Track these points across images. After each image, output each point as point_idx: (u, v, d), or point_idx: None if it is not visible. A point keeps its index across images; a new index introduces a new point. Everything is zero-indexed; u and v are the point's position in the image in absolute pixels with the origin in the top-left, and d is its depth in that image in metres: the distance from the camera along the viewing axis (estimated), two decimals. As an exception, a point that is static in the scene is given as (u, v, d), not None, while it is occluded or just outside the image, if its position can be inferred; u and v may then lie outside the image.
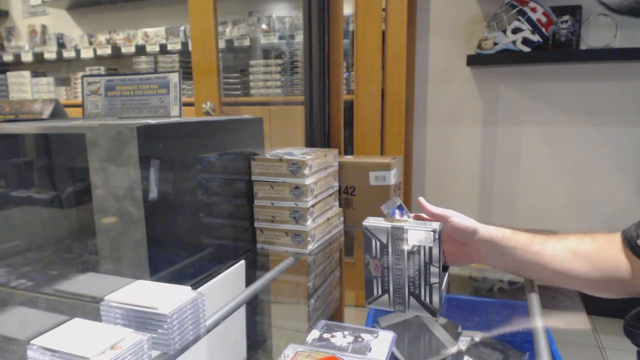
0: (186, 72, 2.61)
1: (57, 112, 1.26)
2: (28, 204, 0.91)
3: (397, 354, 0.73)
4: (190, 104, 2.55)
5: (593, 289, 0.79)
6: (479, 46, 2.27)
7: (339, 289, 1.10)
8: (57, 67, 3.75)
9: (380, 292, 0.78)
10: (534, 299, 0.86)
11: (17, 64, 3.72)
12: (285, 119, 2.69)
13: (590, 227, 2.33)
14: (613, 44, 2.16)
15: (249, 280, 1.00)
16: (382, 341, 0.66)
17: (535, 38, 2.16)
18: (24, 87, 3.69)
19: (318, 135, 1.48)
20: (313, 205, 1.10)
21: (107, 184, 0.79)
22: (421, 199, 0.86)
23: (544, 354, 0.69)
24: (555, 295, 0.88)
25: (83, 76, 1.19)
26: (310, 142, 1.49)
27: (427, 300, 0.75)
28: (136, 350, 0.55)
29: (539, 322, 0.80)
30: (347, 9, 2.62)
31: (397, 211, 0.88)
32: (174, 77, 1.12)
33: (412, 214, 0.89)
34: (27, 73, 3.67)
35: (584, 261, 0.78)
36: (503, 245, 0.81)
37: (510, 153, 2.47)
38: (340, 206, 1.32)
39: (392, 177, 1.30)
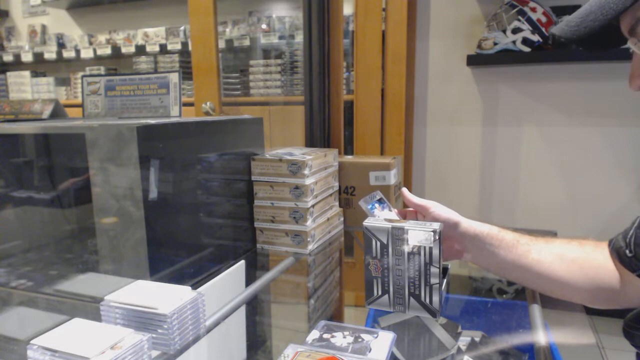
0: (186, 72, 2.61)
1: (57, 112, 1.26)
2: (28, 204, 0.91)
3: (397, 354, 0.73)
4: (190, 104, 2.55)
5: (581, 296, 0.75)
6: (479, 46, 2.27)
7: (338, 289, 1.10)
8: (57, 67, 3.75)
9: (380, 293, 0.78)
10: (534, 299, 0.86)
11: (17, 64, 3.72)
12: (285, 119, 2.69)
13: (590, 227, 2.33)
14: (613, 44, 2.15)
15: (249, 280, 1.00)
16: (382, 341, 0.66)
17: (535, 38, 2.16)
18: (24, 87, 3.69)
19: (318, 135, 1.48)
20: (313, 206, 1.10)
21: (107, 184, 0.79)
22: (404, 190, 0.86)
23: (544, 354, 0.69)
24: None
25: (83, 76, 1.19)
26: (310, 142, 1.49)
27: (427, 300, 0.75)
28: (136, 350, 0.55)
29: (539, 321, 0.80)
30: (347, 9, 2.62)
31: (377, 205, 0.85)
32: (174, 77, 1.12)
33: (395, 209, 0.87)
34: (27, 73, 3.67)
35: (571, 266, 0.74)
36: (487, 242, 0.78)
37: (510, 153, 2.47)
38: (340, 206, 1.32)
39: (392, 177, 1.30)
